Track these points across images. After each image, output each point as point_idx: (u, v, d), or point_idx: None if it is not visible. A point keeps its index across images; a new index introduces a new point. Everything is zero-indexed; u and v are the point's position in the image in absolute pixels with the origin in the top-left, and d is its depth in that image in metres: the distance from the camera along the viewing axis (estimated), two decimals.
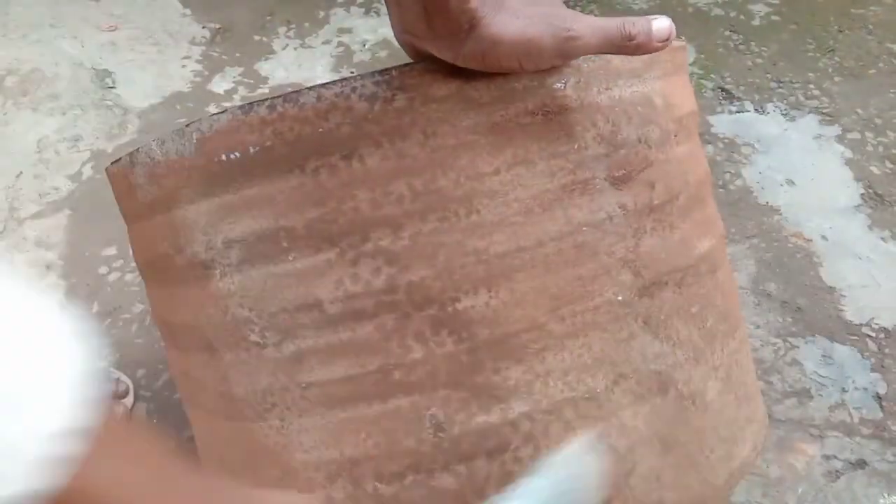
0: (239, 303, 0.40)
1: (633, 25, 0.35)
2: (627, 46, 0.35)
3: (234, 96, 1.27)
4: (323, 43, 1.39)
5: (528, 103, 0.38)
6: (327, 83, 0.37)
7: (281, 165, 0.37)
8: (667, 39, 0.36)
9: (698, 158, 0.48)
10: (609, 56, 0.41)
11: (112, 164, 0.44)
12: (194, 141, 0.39)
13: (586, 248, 0.40)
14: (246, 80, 1.30)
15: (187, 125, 0.39)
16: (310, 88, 0.36)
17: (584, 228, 0.40)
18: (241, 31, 1.42)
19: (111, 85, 1.28)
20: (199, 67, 1.33)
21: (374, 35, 1.40)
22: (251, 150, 0.37)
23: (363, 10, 1.47)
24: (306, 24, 1.44)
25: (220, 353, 0.42)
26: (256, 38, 1.41)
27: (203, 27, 1.43)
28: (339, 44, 1.39)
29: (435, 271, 0.38)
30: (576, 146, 0.40)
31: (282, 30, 1.43)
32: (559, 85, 0.39)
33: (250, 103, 0.37)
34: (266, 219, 0.38)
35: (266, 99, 0.37)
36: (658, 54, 0.43)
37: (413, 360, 0.38)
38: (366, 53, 1.36)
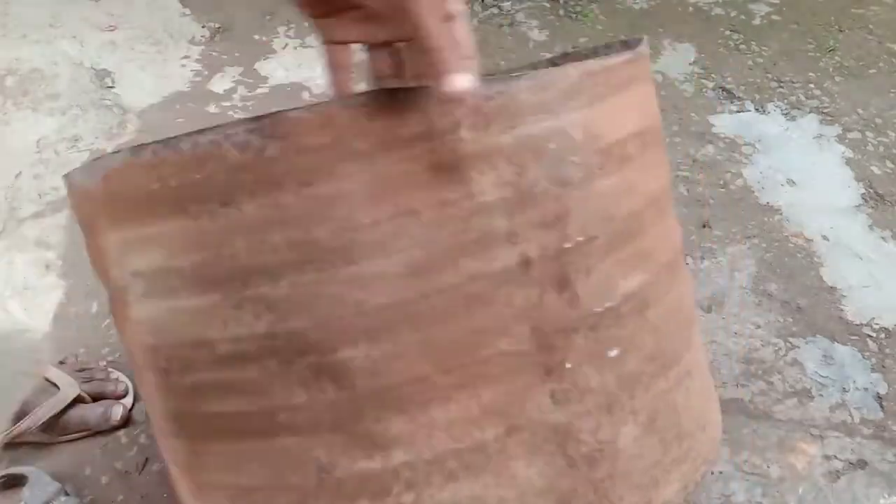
0: (147, 330, 0.41)
1: (445, 63, 0.33)
2: (430, 60, 0.34)
3: (234, 96, 1.27)
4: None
5: (414, 150, 0.37)
6: (205, 129, 0.37)
7: (168, 207, 0.38)
8: (460, 94, 0.34)
9: (634, 185, 0.44)
10: (515, 90, 0.38)
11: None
12: (99, 178, 0.40)
13: (480, 299, 0.39)
14: (246, 79, 1.30)
15: (95, 159, 0.40)
16: (188, 135, 0.37)
17: (478, 280, 0.38)
18: (241, 31, 1.42)
19: (111, 85, 1.28)
20: (198, 67, 1.33)
21: None
22: (143, 190, 0.39)
23: None
24: (306, 24, 1.44)
25: (143, 374, 0.44)
26: (256, 37, 1.41)
27: (203, 27, 1.43)
28: None
29: (313, 321, 0.38)
30: (470, 193, 0.38)
31: (282, 29, 1.43)
32: (450, 127, 0.37)
33: (140, 145, 0.38)
34: (160, 257, 0.39)
35: (153, 142, 0.38)
36: (588, 78, 0.41)
37: (296, 403, 0.39)
38: (366, 53, 1.36)
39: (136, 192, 0.38)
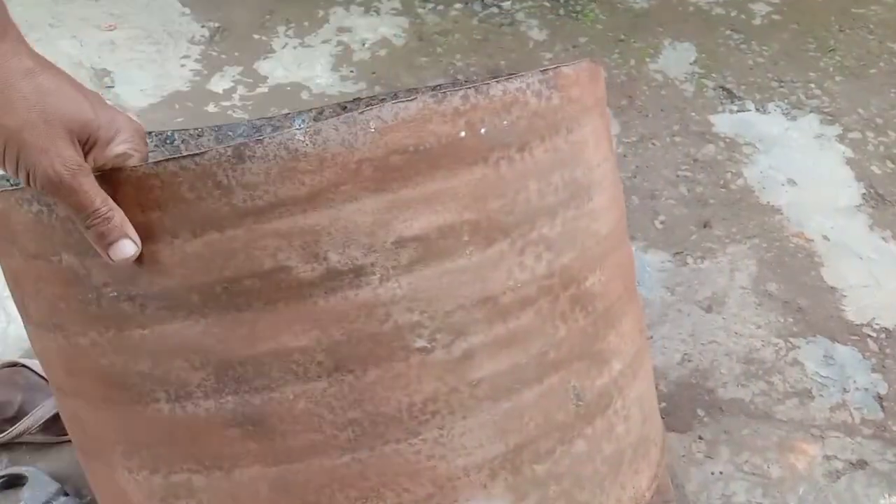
0: (407, 307, 0.37)
1: (109, 222, 0.35)
2: (88, 229, 0.35)
3: (234, 95, 1.27)
4: (322, 42, 1.39)
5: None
6: (505, 77, 0.39)
7: (467, 157, 0.38)
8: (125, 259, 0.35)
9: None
10: None
11: (158, 163, 0.36)
12: (371, 130, 0.35)
13: None
14: (245, 79, 1.30)
15: (360, 112, 0.35)
16: (496, 81, 0.38)
17: None
18: (241, 30, 1.42)
19: (110, 84, 1.28)
20: (198, 67, 1.33)
21: (373, 34, 1.40)
22: (441, 140, 0.37)
23: (363, 8, 1.47)
24: (305, 23, 1.43)
25: (358, 371, 0.38)
26: (256, 37, 1.41)
27: (202, 26, 1.43)
28: (339, 42, 1.39)
29: (576, 253, 0.43)
30: None
31: (281, 29, 1.43)
32: None
33: (436, 90, 0.40)
34: (449, 212, 0.37)
35: (447, 87, 0.40)
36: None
37: (560, 338, 0.42)
38: (365, 52, 1.36)
39: (432, 142, 0.36)
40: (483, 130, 0.38)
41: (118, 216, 0.35)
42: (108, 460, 0.44)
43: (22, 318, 0.46)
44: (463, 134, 0.37)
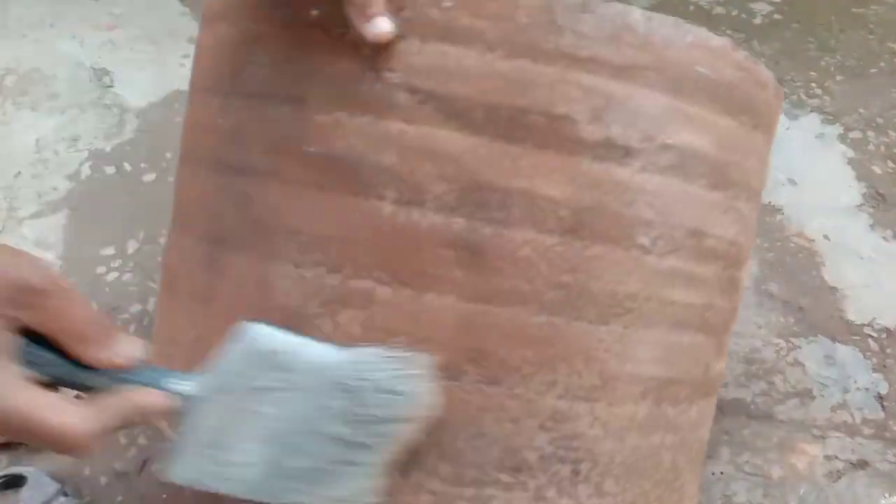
0: (649, 202, 0.39)
1: None
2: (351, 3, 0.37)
3: None
4: None
5: None
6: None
7: (736, 108, 0.44)
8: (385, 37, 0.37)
9: None
10: None
11: None
12: (687, 42, 0.41)
13: None
14: None
15: (682, 23, 0.41)
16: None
17: None
18: None
19: (110, 84, 1.28)
20: None
21: None
22: (726, 81, 0.43)
23: None
24: None
25: (587, 241, 0.39)
26: None
27: None
28: None
29: (746, 240, 0.47)
30: None
31: None
32: None
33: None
34: (704, 142, 0.41)
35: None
36: None
37: (718, 305, 0.45)
38: None
39: (726, 81, 0.43)
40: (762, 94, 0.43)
41: None
42: (265, 250, 0.40)
43: (210, 87, 0.46)
44: (742, 84, 0.42)
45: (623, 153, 0.39)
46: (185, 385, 0.36)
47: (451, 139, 0.38)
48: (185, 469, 0.36)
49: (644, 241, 0.40)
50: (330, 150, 0.38)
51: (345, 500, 0.37)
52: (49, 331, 0.30)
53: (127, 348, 0.32)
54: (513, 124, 0.38)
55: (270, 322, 0.36)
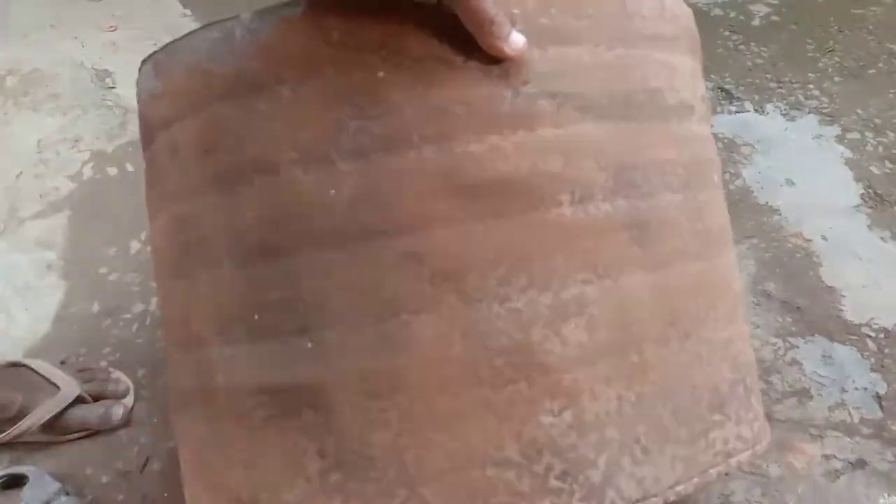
0: (705, 147, 0.49)
1: (501, 25, 0.37)
2: (488, 34, 0.37)
3: None
4: None
5: None
6: None
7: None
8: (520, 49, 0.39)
9: None
10: None
11: None
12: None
13: None
14: None
15: None
16: None
17: None
18: None
19: (111, 85, 1.28)
20: None
21: None
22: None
23: None
24: None
25: (697, 191, 0.45)
26: None
27: None
28: None
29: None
30: None
31: None
32: None
33: None
34: (690, 91, 0.48)
35: None
36: None
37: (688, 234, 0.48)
38: None
39: None
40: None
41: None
42: (457, 299, 0.37)
43: (311, 157, 0.39)
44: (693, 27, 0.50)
45: (688, 111, 0.45)
46: None
47: (594, 131, 0.40)
48: None
49: (716, 178, 0.49)
50: (497, 174, 0.38)
51: None
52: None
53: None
54: (628, 105, 0.41)
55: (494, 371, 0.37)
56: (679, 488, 0.39)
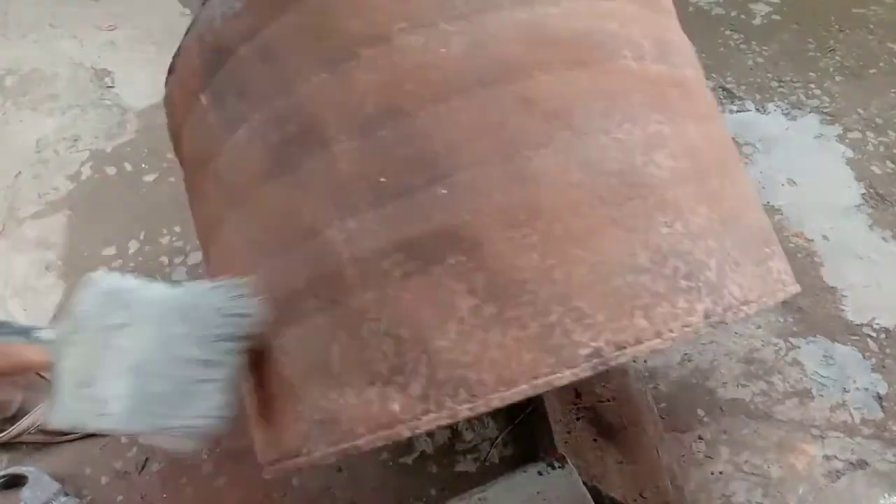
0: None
1: None
2: None
3: None
4: None
5: None
6: None
7: None
8: None
9: None
10: None
11: None
12: None
13: None
14: None
15: None
16: None
17: None
18: None
19: (110, 84, 1.28)
20: None
21: None
22: None
23: None
24: None
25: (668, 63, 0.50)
26: None
27: None
28: None
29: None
30: None
31: None
32: None
33: None
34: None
35: None
36: None
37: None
38: None
39: None
40: None
41: None
42: (579, 121, 0.44)
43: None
44: None
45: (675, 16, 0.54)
46: (47, 333, 0.42)
47: (630, 8, 0.48)
48: (64, 414, 0.41)
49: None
50: (575, 31, 0.44)
51: (206, 416, 0.43)
52: None
53: None
54: None
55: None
56: (755, 306, 0.43)
